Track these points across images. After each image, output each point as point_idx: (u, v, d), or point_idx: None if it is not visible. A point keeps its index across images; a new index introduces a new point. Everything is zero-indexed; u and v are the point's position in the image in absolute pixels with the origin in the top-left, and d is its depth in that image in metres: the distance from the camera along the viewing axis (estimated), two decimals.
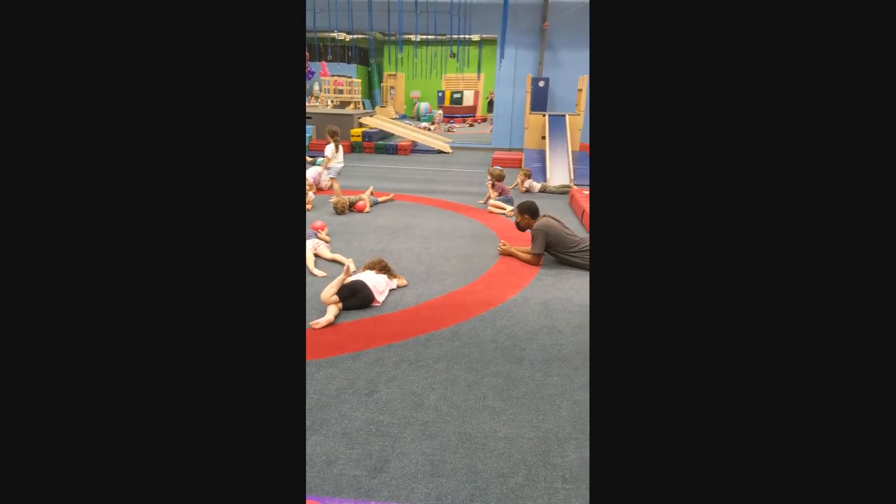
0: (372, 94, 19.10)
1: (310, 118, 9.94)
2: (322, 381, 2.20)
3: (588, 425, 1.94)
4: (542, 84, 10.28)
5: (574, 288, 3.37)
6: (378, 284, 3.02)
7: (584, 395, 2.14)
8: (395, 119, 13.00)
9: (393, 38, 11.95)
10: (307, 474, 1.65)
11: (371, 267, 3.19)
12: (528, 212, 3.90)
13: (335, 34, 13.29)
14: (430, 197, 6.18)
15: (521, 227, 4.01)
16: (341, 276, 2.84)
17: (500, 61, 9.55)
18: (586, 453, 1.79)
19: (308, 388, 2.14)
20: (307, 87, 13.00)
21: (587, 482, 1.63)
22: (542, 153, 8.27)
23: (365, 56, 18.69)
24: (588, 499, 1.57)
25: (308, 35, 12.12)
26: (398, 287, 3.25)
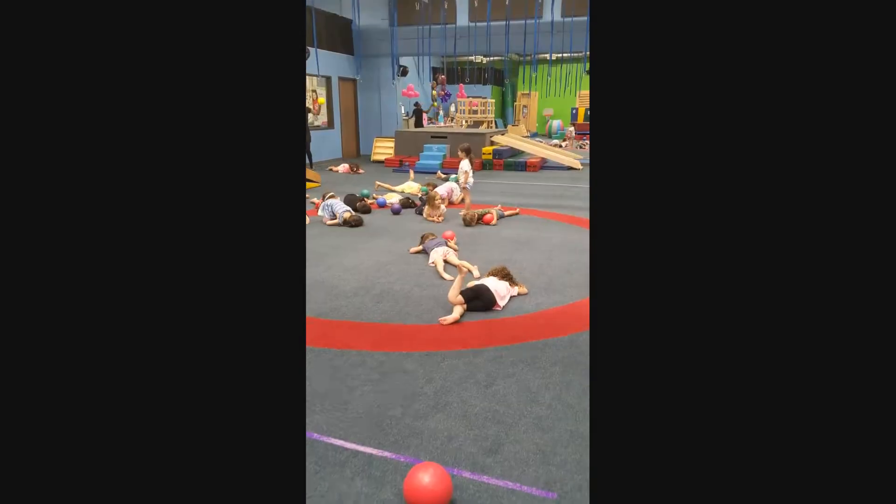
0: (505, 113, 19.58)
1: (445, 137, 10.59)
2: (446, 369, 2.44)
3: None
4: None
5: None
6: (499, 289, 3.21)
7: None
8: (527, 137, 13.21)
9: (528, 58, 12.21)
10: (431, 445, 1.88)
11: (494, 273, 3.39)
12: None
13: (472, 58, 14.00)
14: (556, 212, 6.23)
15: None
16: (458, 277, 3.09)
17: None
18: None
19: (433, 374, 2.40)
20: (442, 108, 13.78)
21: None
22: None
23: (499, 77, 19.28)
24: None
25: (448, 60, 12.93)
26: (518, 294, 3.40)
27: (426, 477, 1.54)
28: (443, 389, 2.27)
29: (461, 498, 1.63)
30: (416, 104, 12.83)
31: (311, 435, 1.95)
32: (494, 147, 10.63)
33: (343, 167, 9.74)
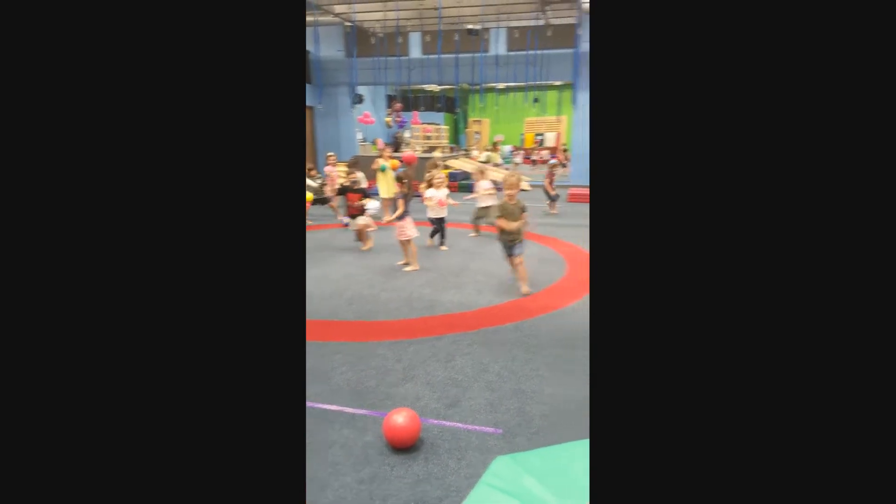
0: (458, 139, 20.45)
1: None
2: (412, 352, 2.88)
3: None
4: None
5: None
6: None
7: None
8: (480, 161, 13.98)
9: (476, 87, 13.08)
10: (401, 404, 2.32)
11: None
12: None
13: (426, 87, 14.76)
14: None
15: None
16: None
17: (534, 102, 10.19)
18: None
19: (401, 355, 2.84)
20: (400, 136, 14.40)
21: None
22: None
23: (451, 104, 20.23)
24: None
25: (403, 88, 13.61)
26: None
27: (400, 417, 1.98)
28: (410, 366, 2.71)
29: (428, 437, 2.08)
30: (396, 135, 13.50)
31: None
32: (449, 171, 11.26)
33: None
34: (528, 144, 20.48)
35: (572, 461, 1.47)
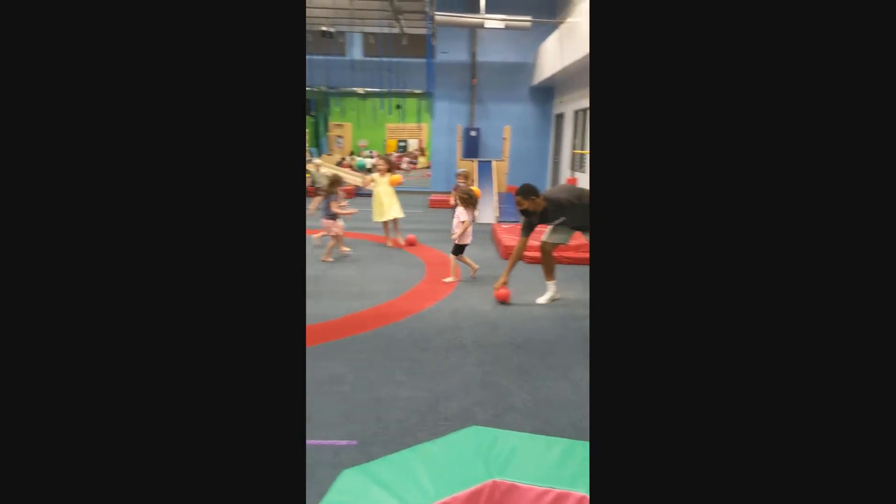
0: (319, 143, 19.84)
1: None
2: None
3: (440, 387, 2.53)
4: (473, 133, 11.33)
5: (478, 298, 4.02)
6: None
7: (472, 369, 2.75)
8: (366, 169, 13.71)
9: (333, 91, 12.83)
10: None
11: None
12: (532, 193, 3.76)
13: None
14: (368, 233, 6.79)
15: (529, 213, 3.82)
16: None
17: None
18: (466, 404, 2.38)
19: None
20: None
21: (464, 423, 2.21)
22: None
23: (307, 107, 19.57)
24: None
25: None
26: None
27: None
28: None
29: None
30: None
31: None
32: (307, 175, 10.84)
33: None
34: (391, 150, 20.73)
35: (420, 464, 1.48)
